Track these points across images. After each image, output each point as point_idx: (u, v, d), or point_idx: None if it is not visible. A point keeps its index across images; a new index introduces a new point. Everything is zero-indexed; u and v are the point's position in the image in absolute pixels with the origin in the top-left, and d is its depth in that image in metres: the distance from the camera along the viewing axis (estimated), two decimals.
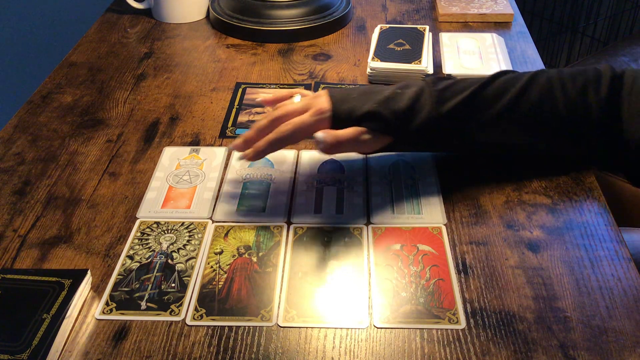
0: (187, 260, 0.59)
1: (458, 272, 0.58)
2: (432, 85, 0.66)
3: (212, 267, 0.59)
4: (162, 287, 0.57)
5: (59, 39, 1.54)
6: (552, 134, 0.66)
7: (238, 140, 0.66)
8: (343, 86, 0.87)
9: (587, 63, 1.68)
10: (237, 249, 0.61)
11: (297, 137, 0.64)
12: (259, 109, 0.83)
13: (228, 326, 0.53)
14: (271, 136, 0.63)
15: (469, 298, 0.55)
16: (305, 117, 0.63)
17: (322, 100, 0.64)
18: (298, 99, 0.67)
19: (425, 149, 0.71)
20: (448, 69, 0.89)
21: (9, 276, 0.56)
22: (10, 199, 0.68)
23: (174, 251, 0.60)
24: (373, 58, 0.89)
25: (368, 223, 0.64)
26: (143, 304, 0.55)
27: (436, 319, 0.53)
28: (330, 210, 0.65)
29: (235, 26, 1.02)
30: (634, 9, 2.13)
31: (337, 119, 0.64)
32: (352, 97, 0.65)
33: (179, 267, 0.59)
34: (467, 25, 1.06)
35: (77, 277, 0.56)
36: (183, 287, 0.57)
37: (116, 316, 0.54)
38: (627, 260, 0.58)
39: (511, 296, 0.55)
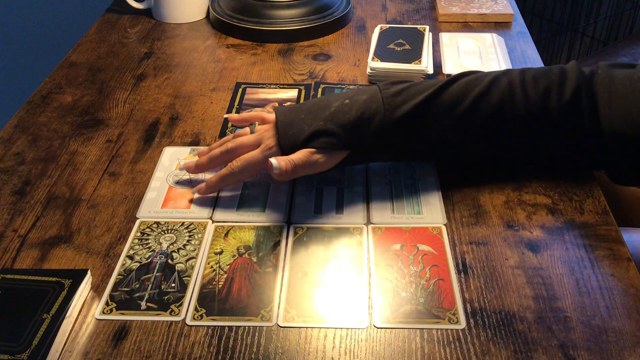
0: (187, 260, 0.59)
1: (458, 272, 0.58)
2: (384, 90, 0.64)
3: (212, 267, 0.59)
4: (162, 287, 0.57)
5: (59, 39, 1.54)
6: (514, 138, 0.65)
7: (190, 164, 0.69)
8: (343, 87, 0.87)
9: (587, 63, 1.68)
10: (237, 249, 0.61)
11: (248, 173, 0.65)
12: (258, 109, 0.83)
13: (228, 326, 0.53)
14: (223, 171, 0.65)
15: (469, 298, 0.55)
16: (255, 154, 0.64)
17: (269, 135, 0.65)
18: (253, 129, 0.68)
19: (386, 158, 0.69)
20: (448, 69, 0.89)
21: (9, 276, 0.56)
22: (10, 199, 0.68)
23: (174, 251, 0.61)
24: (373, 58, 0.89)
25: (368, 223, 0.64)
26: (143, 304, 0.55)
27: (436, 319, 0.53)
28: (330, 210, 0.65)
29: (235, 26, 1.02)
30: (634, 9, 2.13)
31: (284, 150, 0.63)
32: (300, 118, 0.64)
33: (179, 267, 0.59)
34: (467, 25, 1.06)
35: (77, 277, 0.56)
36: (183, 287, 0.57)
37: (116, 316, 0.54)
38: (627, 260, 0.58)
39: (511, 296, 0.55)
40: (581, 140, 0.64)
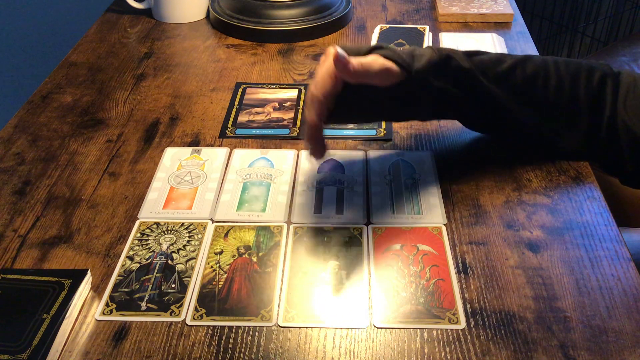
0: (187, 261, 0.59)
1: (458, 272, 0.58)
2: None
3: (212, 267, 0.59)
4: (162, 287, 0.57)
5: (59, 39, 1.55)
6: (543, 111, 0.68)
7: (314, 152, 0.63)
8: None
9: None
10: (237, 249, 0.61)
11: (324, 87, 0.60)
12: (258, 109, 0.83)
13: (228, 326, 0.53)
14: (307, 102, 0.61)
15: (469, 298, 0.55)
16: (319, 69, 0.61)
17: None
18: None
19: (429, 105, 0.67)
20: None
21: (9, 276, 0.56)
22: (10, 199, 0.68)
23: (173, 252, 0.60)
24: None
25: (368, 223, 0.64)
26: (143, 305, 0.55)
27: (436, 319, 0.53)
28: (330, 210, 0.65)
29: (235, 26, 1.02)
30: (634, 9, 2.13)
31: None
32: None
33: (179, 267, 0.59)
34: (467, 25, 1.06)
35: (77, 277, 0.56)
36: (183, 287, 0.57)
37: (116, 317, 0.54)
38: (627, 260, 0.58)
39: (511, 296, 0.55)
40: (600, 131, 0.67)
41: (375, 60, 0.61)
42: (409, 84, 0.63)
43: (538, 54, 0.95)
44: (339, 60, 0.58)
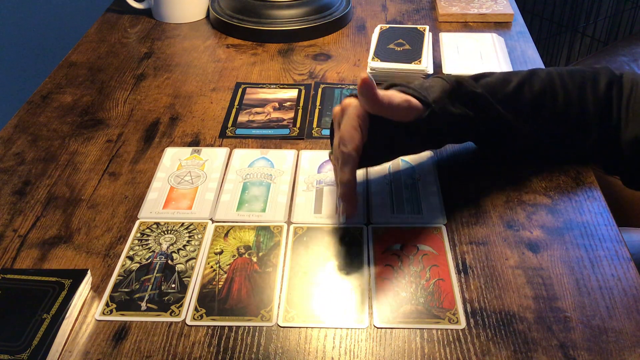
0: (187, 261, 0.59)
1: (458, 272, 0.58)
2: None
3: (212, 267, 0.59)
4: (162, 287, 0.57)
5: (59, 39, 1.54)
6: (553, 125, 0.67)
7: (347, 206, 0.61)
8: (343, 87, 0.87)
9: (587, 63, 1.68)
10: (237, 249, 0.61)
11: (351, 126, 0.58)
12: (258, 109, 0.83)
13: (228, 326, 0.53)
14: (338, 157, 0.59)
15: (469, 298, 0.55)
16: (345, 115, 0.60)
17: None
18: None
19: (450, 133, 0.68)
20: (448, 69, 0.89)
21: (9, 276, 0.56)
22: (10, 199, 0.68)
23: (173, 252, 0.60)
24: (373, 58, 0.89)
25: (368, 223, 0.64)
26: (143, 305, 0.55)
27: (436, 319, 0.53)
28: (330, 210, 0.65)
29: (235, 26, 1.02)
30: (634, 9, 2.13)
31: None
32: None
33: (179, 267, 0.59)
34: (467, 25, 1.06)
35: (77, 277, 0.56)
36: (183, 287, 0.57)
37: (116, 317, 0.54)
38: (627, 260, 0.58)
39: (511, 296, 0.55)
40: (609, 138, 0.67)
41: (395, 94, 0.60)
42: (429, 116, 0.62)
43: (539, 55, 0.96)
44: (366, 83, 0.56)
